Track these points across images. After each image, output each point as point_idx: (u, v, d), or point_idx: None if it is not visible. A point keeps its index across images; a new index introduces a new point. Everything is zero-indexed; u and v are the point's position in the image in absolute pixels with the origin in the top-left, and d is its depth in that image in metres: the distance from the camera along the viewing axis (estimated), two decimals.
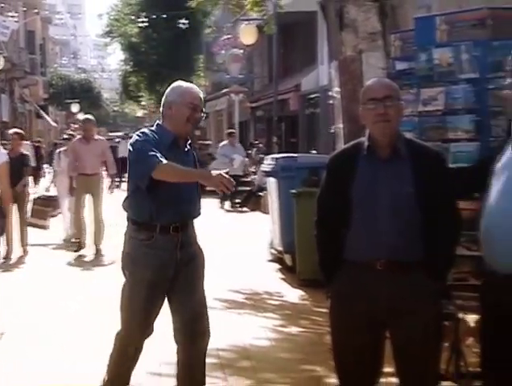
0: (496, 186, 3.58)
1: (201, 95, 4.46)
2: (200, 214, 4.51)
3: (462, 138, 4.68)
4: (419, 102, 4.84)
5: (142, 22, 30.14)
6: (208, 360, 5.76)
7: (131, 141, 4.38)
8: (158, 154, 4.17)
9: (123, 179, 27.56)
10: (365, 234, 3.50)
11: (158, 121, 4.48)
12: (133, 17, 32.95)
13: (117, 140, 29.32)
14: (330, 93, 8.43)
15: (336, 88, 7.49)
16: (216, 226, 14.75)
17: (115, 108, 67.81)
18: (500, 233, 3.51)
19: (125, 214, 4.47)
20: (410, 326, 3.45)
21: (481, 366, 3.77)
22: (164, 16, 29.87)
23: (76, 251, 11.09)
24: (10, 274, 9.57)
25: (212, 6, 12.18)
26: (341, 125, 7.25)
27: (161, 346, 6.13)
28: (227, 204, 18.41)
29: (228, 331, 6.60)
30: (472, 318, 4.90)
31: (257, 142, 22.56)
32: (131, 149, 4.33)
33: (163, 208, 4.29)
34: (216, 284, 8.81)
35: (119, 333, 4.51)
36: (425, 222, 3.46)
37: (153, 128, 4.42)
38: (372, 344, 3.54)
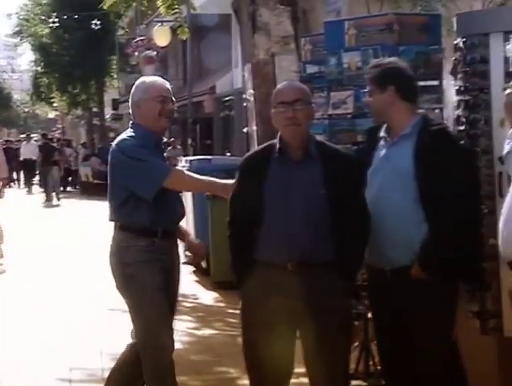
0: (371, 189, 3.71)
1: (168, 85, 4.14)
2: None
3: None
4: (329, 105, 4.91)
5: (53, 22, 29.58)
6: None
7: (121, 147, 3.99)
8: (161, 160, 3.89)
9: (33, 182, 27.03)
10: (276, 235, 3.53)
11: (132, 122, 4.14)
12: (43, 17, 32.27)
13: (24, 142, 28.65)
14: (244, 96, 8.47)
15: (250, 91, 7.54)
16: None
17: (26, 110, 66.22)
18: (378, 232, 3.63)
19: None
20: (320, 327, 3.48)
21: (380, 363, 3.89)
22: (76, 17, 29.39)
23: None
24: None
25: (125, 8, 12.05)
26: (255, 128, 7.30)
27: (70, 351, 6.05)
28: None
29: None
30: None
31: (172, 140, 22.39)
32: (124, 156, 3.96)
33: (163, 212, 3.98)
34: None
35: (146, 351, 4.00)
36: (335, 224, 3.50)
37: (131, 130, 4.07)
38: (283, 344, 3.56)
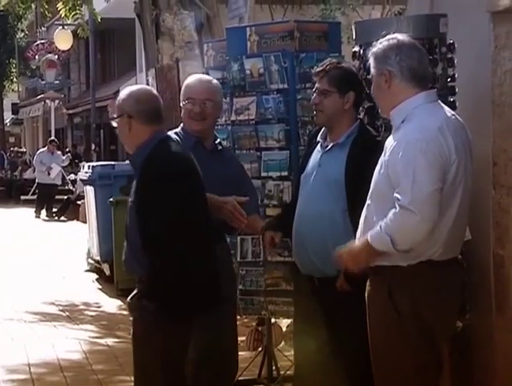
0: (302, 194, 3.72)
1: (203, 84, 3.95)
2: None
3: (274, 147, 4.79)
4: (232, 111, 4.91)
5: None
6: (17, 376, 5.57)
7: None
8: None
9: None
10: None
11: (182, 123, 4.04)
12: None
13: None
14: None
15: None
16: (31, 236, 14.24)
17: None
18: (306, 238, 3.64)
19: None
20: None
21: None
22: None
23: None
24: None
25: (24, 9, 11.76)
26: None
27: None
28: (43, 213, 17.83)
29: (41, 345, 6.39)
30: (284, 323, 5.03)
31: (65, 147, 22.06)
32: None
33: None
34: (31, 296, 8.52)
35: None
36: (141, 238, 3.32)
37: (178, 129, 3.96)
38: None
